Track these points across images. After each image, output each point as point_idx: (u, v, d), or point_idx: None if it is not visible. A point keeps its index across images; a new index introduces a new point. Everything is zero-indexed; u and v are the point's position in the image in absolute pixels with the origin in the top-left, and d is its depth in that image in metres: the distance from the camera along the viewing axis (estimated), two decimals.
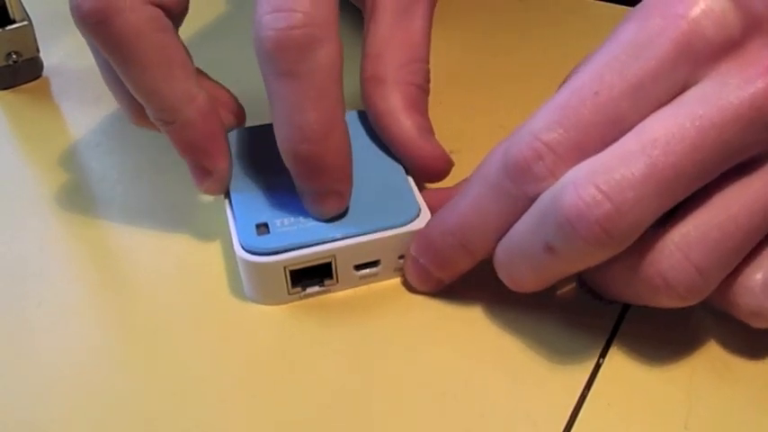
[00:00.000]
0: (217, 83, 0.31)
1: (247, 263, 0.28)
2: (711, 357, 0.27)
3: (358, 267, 0.29)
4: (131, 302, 0.30)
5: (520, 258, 0.26)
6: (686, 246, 0.24)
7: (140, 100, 0.28)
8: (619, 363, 0.27)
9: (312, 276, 0.29)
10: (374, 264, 0.29)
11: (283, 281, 0.28)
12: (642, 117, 0.24)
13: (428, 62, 0.31)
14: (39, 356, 0.28)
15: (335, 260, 0.28)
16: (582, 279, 0.29)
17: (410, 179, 0.30)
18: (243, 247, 0.28)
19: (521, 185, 0.25)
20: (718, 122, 0.23)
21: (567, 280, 0.29)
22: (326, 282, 0.29)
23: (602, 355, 0.27)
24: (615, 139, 0.24)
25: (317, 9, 0.25)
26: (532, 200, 0.25)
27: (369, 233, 0.28)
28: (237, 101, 0.31)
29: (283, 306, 0.29)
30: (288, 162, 0.27)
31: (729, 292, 0.25)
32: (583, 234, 0.23)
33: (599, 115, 0.24)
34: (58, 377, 0.27)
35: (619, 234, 0.23)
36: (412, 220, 0.28)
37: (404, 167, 0.30)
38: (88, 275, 0.31)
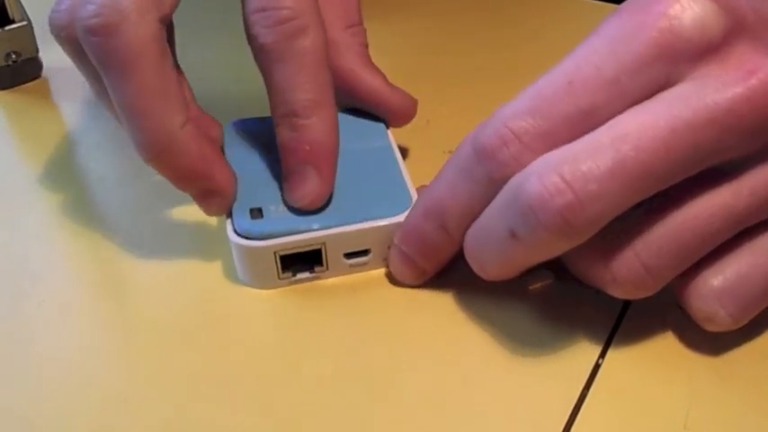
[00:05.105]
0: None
1: (238, 247, 0.28)
2: (711, 357, 0.27)
3: (348, 255, 0.29)
4: (131, 302, 0.30)
5: (486, 244, 0.26)
6: (639, 244, 0.24)
7: (129, 124, 0.27)
8: (618, 363, 0.27)
9: (302, 262, 0.29)
10: (364, 253, 0.29)
11: (273, 266, 0.29)
12: (615, 112, 0.24)
13: (363, 24, 0.33)
14: (39, 356, 0.28)
15: (325, 247, 0.29)
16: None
17: (405, 171, 0.30)
18: (236, 232, 0.28)
19: (487, 170, 0.25)
20: (692, 124, 0.23)
21: (566, 281, 0.29)
22: (317, 268, 0.29)
23: (602, 355, 0.27)
24: (585, 132, 0.24)
25: (299, 3, 0.27)
26: (500, 184, 0.25)
27: (359, 222, 0.28)
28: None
29: (277, 290, 0.29)
30: (282, 140, 0.28)
31: (686, 294, 0.26)
32: (544, 222, 0.23)
33: (570, 106, 0.24)
34: (58, 377, 0.27)
35: (579, 225, 0.23)
36: (403, 211, 0.29)
37: (397, 154, 0.31)
38: (88, 275, 0.31)
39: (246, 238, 0.28)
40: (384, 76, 0.32)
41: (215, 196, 0.29)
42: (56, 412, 0.26)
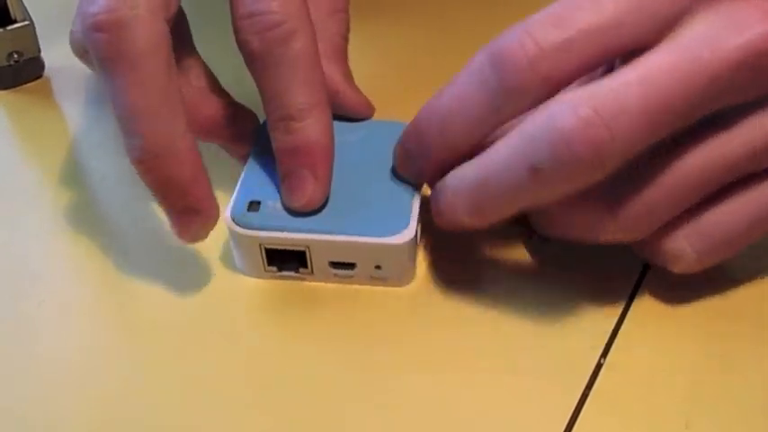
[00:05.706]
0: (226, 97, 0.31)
1: (230, 231, 0.29)
2: (712, 356, 0.27)
3: (334, 265, 0.29)
4: (131, 302, 0.30)
5: (495, 181, 0.25)
6: (642, 191, 0.25)
7: (129, 125, 0.26)
8: (620, 362, 0.27)
9: (290, 261, 0.29)
10: (350, 266, 0.29)
11: (259, 257, 0.29)
12: (640, 35, 0.24)
13: (348, 11, 0.33)
14: (39, 356, 0.28)
15: (309, 251, 0.29)
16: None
17: (418, 198, 0.29)
18: (231, 218, 0.29)
19: (500, 74, 0.25)
20: (711, 64, 0.23)
21: (567, 281, 0.29)
22: (302, 270, 0.30)
23: (604, 354, 0.27)
24: (605, 50, 0.24)
25: (287, 6, 0.27)
26: (511, 97, 0.25)
27: (345, 234, 0.28)
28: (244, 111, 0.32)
29: (280, 287, 0.30)
30: (278, 144, 0.29)
31: (657, 238, 0.26)
32: (577, 153, 0.23)
33: (594, 17, 0.24)
34: (58, 377, 0.27)
35: (608, 159, 0.23)
36: (392, 234, 0.28)
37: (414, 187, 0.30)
38: (88, 275, 0.31)
39: (238, 226, 0.29)
40: (347, 72, 0.32)
41: (197, 216, 0.27)
42: (56, 412, 0.26)
